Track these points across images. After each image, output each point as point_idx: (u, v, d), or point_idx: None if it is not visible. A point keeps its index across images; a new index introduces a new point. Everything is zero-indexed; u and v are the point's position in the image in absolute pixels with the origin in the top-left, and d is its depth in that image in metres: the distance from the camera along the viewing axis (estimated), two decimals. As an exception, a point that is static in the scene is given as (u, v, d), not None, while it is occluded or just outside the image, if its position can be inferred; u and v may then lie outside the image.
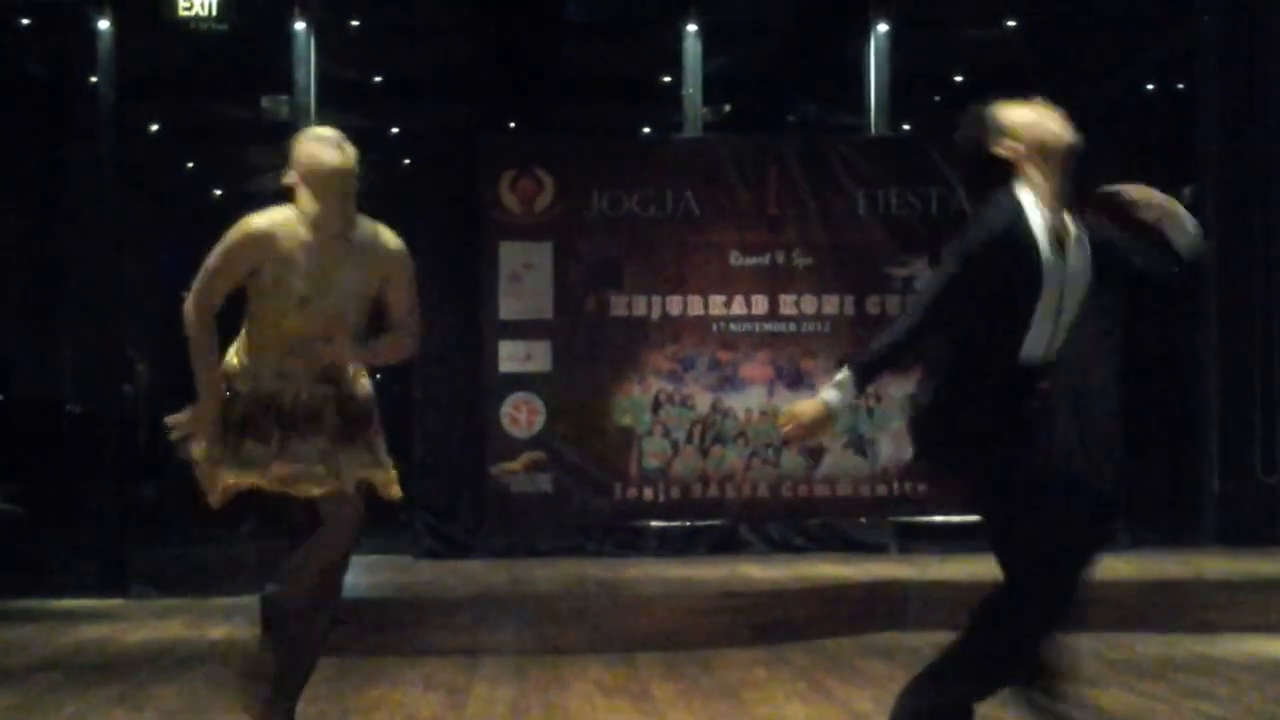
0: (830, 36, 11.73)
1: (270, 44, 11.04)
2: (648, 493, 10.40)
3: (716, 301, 10.44)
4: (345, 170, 5.20)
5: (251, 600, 8.58)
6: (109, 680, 7.25)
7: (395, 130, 13.48)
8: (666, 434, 10.40)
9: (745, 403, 10.44)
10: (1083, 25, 11.92)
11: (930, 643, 8.13)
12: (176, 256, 17.34)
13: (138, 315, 13.65)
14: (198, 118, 14.00)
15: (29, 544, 11.37)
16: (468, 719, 6.33)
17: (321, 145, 5.24)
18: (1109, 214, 4.87)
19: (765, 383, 10.44)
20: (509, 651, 7.95)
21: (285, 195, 5.32)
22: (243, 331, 5.43)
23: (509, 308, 10.39)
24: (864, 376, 4.72)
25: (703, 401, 10.43)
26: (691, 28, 10.95)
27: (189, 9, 10.62)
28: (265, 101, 12.43)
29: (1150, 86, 12.59)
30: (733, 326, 10.45)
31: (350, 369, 5.33)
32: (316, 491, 5.23)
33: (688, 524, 10.55)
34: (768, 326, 10.46)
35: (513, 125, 12.39)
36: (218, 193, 16.28)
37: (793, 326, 10.47)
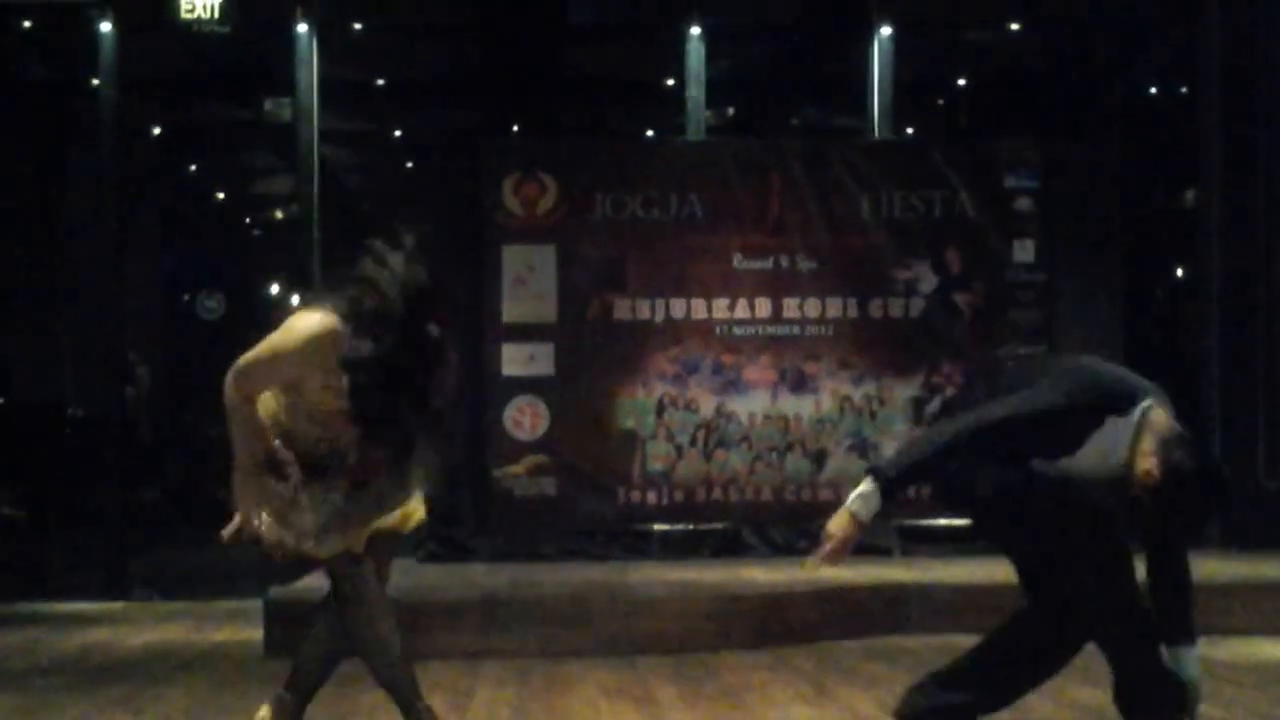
0: (833, 39, 11.72)
1: (272, 46, 11.03)
2: (651, 496, 10.38)
3: (720, 305, 10.42)
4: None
5: (253, 604, 8.64)
6: (111, 684, 7.25)
7: (398, 133, 13.47)
8: (670, 437, 10.38)
9: (749, 406, 10.42)
10: (1085, 29, 11.92)
11: (933, 646, 8.14)
12: (178, 259, 17.39)
13: (139, 318, 13.66)
14: (199, 120, 13.99)
15: (31, 548, 11.38)
16: (471, 722, 6.33)
17: None
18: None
19: (769, 386, 10.43)
20: (512, 655, 7.94)
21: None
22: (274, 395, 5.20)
23: (512, 311, 10.38)
24: (889, 492, 4.71)
25: (706, 405, 10.41)
26: (695, 30, 10.94)
27: (191, 11, 10.62)
28: (267, 104, 12.41)
29: (1153, 90, 12.58)
30: (736, 330, 10.43)
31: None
32: (323, 554, 5.16)
33: (691, 527, 10.54)
34: (771, 330, 10.44)
35: (516, 128, 12.39)
36: (220, 195, 16.30)
37: (796, 330, 10.45)
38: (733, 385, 10.42)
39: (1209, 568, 9.34)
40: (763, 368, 10.43)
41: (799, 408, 10.44)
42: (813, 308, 10.46)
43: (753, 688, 7.02)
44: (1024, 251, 10.59)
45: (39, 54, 12.60)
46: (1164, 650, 4.91)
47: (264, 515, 5.10)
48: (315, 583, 8.52)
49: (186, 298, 17.46)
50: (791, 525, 10.54)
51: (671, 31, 11.04)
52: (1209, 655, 7.69)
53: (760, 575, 9.39)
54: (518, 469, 10.29)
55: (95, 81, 10.84)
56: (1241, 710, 6.38)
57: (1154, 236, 12.68)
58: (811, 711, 6.43)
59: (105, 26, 10.66)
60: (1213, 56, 11.06)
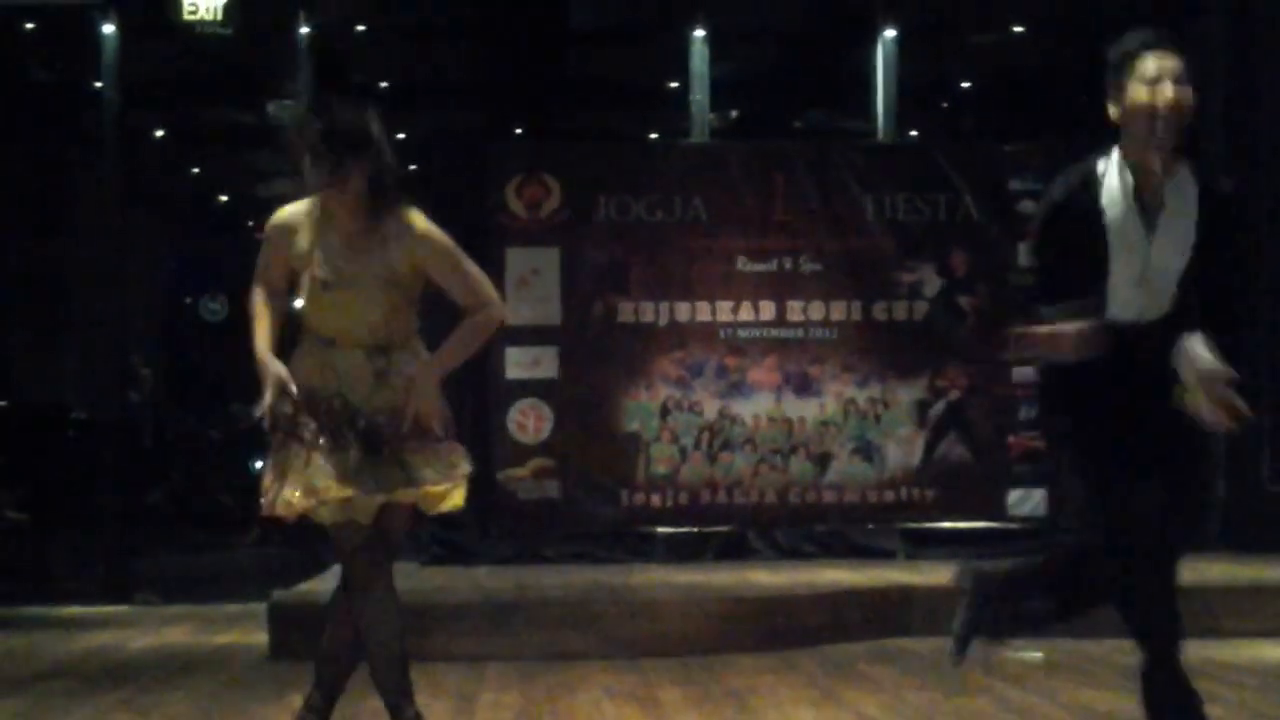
0: (838, 42, 11.72)
1: (275, 49, 11.03)
2: (655, 499, 10.37)
3: (724, 307, 10.41)
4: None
5: (257, 607, 8.63)
6: (114, 687, 7.24)
7: (401, 136, 13.42)
8: (674, 440, 10.37)
9: (753, 409, 10.41)
10: (1089, 31, 11.89)
11: (938, 648, 8.11)
12: (181, 262, 17.41)
13: (142, 321, 13.66)
14: (202, 123, 14.01)
15: (33, 550, 11.38)
16: (475, 726, 6.32)
17: None
18: None
19: (773, 389, 10.41)
20: (516, 658, 7.93)
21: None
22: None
23: (516, 313, 10.32)
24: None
25: (710, 407, 10.40)
26: (699, 33, 10.92)
27: (194, 14, 10.61)
28: (270, 107, 12.40)
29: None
30: (740, 332, 10.42)
31: (402, 378, 5.12)
32: (326, 518, 5.07)
33: (696, 530, 10.52)
34: (775, 332, 10.43)
35: (519, 131, 12.37)
36: (223, 198, 16.30)
37: (800, 332, 10.44)
38: (737, 388, 10.41)
39: (1212, 570, 9.33)
40: (767, 370, 10.41)
41: (803, 410, 10.42)
42: (817, 310, 10.44)
43: (758, 690, 7.01)
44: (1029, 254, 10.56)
45: (42, 57, 12.62)
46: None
47: (271, 478, 5.07)
48: (319, 585, 8.53)
49: (190, 300, 17.49)
50: (796, 528, 10.54)
51: (675, 34, 11.03)
52: (1211, 657, 7.69)
53: (765, 578, 9.39)
54: (522, 472, 10.27)
55: (98, 84, 10.83)
56: (1244, 712, 6.37)
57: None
58: (816, 714, 6.43)
59: (108, 29, 10.65)
60: (1216, 59, 11.05)
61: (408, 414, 5.08)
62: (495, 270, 10.34)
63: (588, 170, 10.55)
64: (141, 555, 10.99)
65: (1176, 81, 4.77)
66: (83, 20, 10.84)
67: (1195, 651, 7.80)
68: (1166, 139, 4.74)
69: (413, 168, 12.33)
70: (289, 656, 7.86)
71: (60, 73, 12.69)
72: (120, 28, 10.68)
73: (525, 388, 10.35)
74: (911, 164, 10.70)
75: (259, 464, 5.49)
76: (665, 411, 10.38)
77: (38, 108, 12.84)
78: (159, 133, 13.64)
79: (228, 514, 12.79)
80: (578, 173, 10.50)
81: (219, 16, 10.62)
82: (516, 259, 10.32)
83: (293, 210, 5.20)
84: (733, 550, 10.54)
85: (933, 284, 10.48)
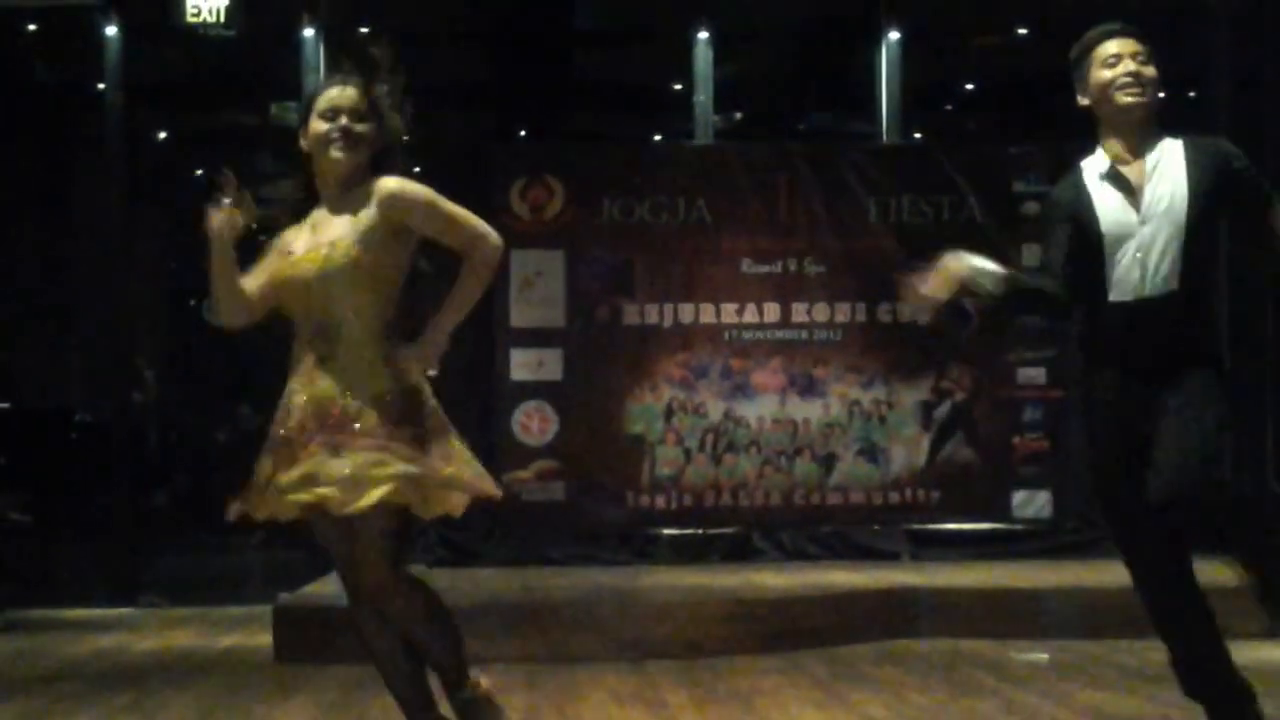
0: (842, 44, 11.70)
1: (279, 51, 11.03)
2: (660, 501, 10.37)
3: (728, 309, 10.41)
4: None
5: (263, 609, 8.62)
6: (120, 690, 7.23)
7: (404, 138, 13.43)
8: (679, 442, 10.37)
9: (757, 411, 10.41)
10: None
11: (944, 650, 8.14)
12: (186, 264, 17.38)
13: (147, 323, 13.64)
14: (206, 125, 13.98)
15: (38, 553, 11.37)
16: (482, 728, 6.29)
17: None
18: None
19: (777, 391, 10.41)
20: (521, 660, 7.91)
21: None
22: None
23: (520, 315, 10.37)
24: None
25: (715, 409, 10.40)
26: (703, 35, 10.93)
27: (197, 16, 10.60)
28: (274, 108, 12.40)
29: (1161, 95, 12.53)
30: (745, 334, 10.42)
31: (373, 365, 4.85)
32: (290, 514, 4.84)
33: (700, 532, 10.52)
34: (780, 334, 10.43)
35: (523, 133, 12.36)
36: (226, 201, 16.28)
37: (805, 334, 10.44)
38: (741, 390, 10.41)
39: (1217, 571, 9.32)
40: (771, 372, 10.42)
41: (808, 412, 10.42)
42: (821, 312, 10.44)
43: (764, 692, 7.00)
44: (1033, 256, 10.55)
45: (45, 58, 12.60)
46: None
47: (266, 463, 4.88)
48: (325, 588, 8.52)
49: (194, 302, 17.45)
50: (801, 529, 10.54)
51: (679, 36, 11.03)
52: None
53: (770, 579, 9.39)
54: (526, 474, 10.27)
55: (101, 86, 10.84)
56: (1253, 715, 6.34)
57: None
58: (822, 715, 6.41)
59: (111, 31, 10.66)
60: (1223, 63, 11.05)
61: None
62: (499, 272, 10.35)
63: (592, 172, 10.55)
64: (147, 558, 10.99)
65: (1136, 59, 4.88)
66: (85, 22, 10.85)
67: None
68: (1135, 109, 4.84)
69: (416, 169, 12.36)
70: (294, 659, 7.87)
71: (63, 74, 12.67)
72: (123, 29, 10.69)
73: (529, 390, 10.35)
74: (915, 166, 10.70)
75: None
76: (670, 413, 10.38)
77: (40, 109, 12.83)
78: (162, 134, 13.62)
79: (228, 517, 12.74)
80: (582, 175, 10.51)
81: (222, 18, 10.61)
82: (521, 261, 10.31)
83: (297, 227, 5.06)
84: (738, 552, 10.53)
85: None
